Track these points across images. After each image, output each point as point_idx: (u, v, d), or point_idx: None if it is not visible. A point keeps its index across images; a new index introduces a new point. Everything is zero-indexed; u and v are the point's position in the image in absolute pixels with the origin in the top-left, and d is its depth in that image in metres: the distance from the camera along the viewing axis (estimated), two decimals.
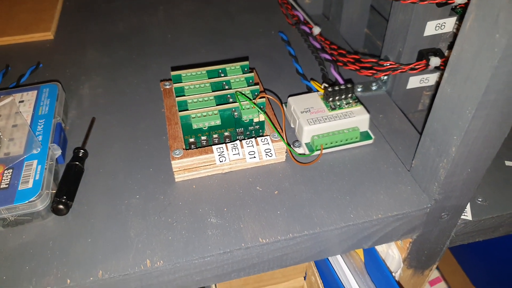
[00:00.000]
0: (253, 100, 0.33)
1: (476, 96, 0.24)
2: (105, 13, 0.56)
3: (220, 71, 0.36)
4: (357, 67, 0.40)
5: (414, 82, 0.41)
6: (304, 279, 0.42)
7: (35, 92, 0.38)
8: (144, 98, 0.41)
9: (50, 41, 0.50)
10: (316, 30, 0.46)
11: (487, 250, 0.69)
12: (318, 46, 0.45)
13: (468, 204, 0.34)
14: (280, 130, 0.34)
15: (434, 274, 0.67)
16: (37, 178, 0.30)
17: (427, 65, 0.37)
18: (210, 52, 0.48)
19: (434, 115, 0.29)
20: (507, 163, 0.37)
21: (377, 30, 0.49)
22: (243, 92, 0.34)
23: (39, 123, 0.35)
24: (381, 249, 0.37)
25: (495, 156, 0.37)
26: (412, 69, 0.38)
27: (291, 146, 0.35)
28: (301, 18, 0.48)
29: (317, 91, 0.38)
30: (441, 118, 0.28)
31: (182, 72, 0.36)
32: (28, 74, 0.44)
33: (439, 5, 0.35)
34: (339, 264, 0.36)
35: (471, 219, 0.34)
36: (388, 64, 0.39)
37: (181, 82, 0.35)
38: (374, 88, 0.42)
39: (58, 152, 0.33)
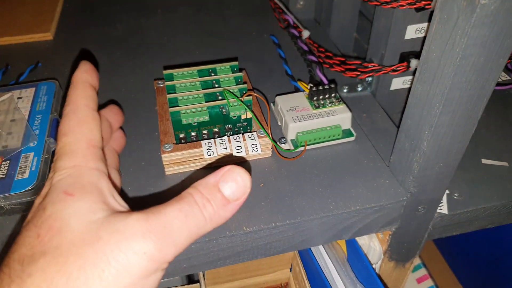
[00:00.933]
0: (240, 98, 0.35)
1: (442, 93, 0.26)
2: (103, 16, 0.58)
3: (210, 70, 0.38)
4: (343, 69, 0.42)
5: (397, 83, 0.43)
6: (290, 271, 0.44)
7: (33, 89, 0.40)
8: (138, 97, 0.43)
9: (50, 42, 0.52)
10: (305, 34, 0.48)
11: (473, 248, 0.70)
12: (306, 48, 0.47)
13: (445, 199, 0.36)
14: (265, 127, 0.35)
15: (422, 271, 0.68)
16: (33, 169, 0.32)
17: (408, 67, 0.39)
18: (204, 53, 0.50)
19: (407, 112, 0.31)
20: (484, 161, 0.39)
21: (365, 35, 0.51)
22: (231, 91, 0.36)
23: (36, 118, 0.36)
24: (363, 241, 0.39)
25: (473, 154, 0.39)
26: (394, 70, 0.40)
27: (277, 142, 0.37)
28: (291, 22, 0.50)
29: (304, 91, 0.40)
30: (413, 115, 0.30)
31: (174, 71, 0.38)
32: (27, 73, 0.46)
33: (417, 10, 0.37)
34: (322, 255, 0.37)
35: (447, 212, 0.35)
36: (371, 66, 0.41)
37: (173, 80, 0.37)
38: (359, 89, 0.44)
39: (54, 145, 0.35)
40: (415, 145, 0.30)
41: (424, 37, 0.39)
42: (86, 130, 0.24)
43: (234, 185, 0.23)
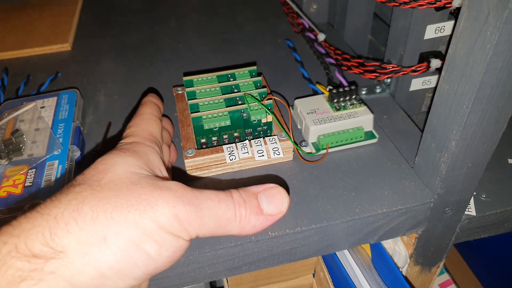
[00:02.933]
0: (261, 102, 0.35)
1: (472, 91, 0.25)
2: (119, 25, 0.59)
3: (229, 75, 0.38)
4: (361, 71, 0.42)
5: (417, 84, 0.42)
6: (313, 276, 0.43)
7: (55, 98, 0.40)
8: None
9: (68, 52, 0.53)
10: (321, 37, 0.48)
11: (497, 253, 0.69)
12: (323, 51, 0.47)
13: (472, 200, 0.35)
14: (287, 130, 0.35)
15: (445, 276, 0.67)
16: (58, 176, 0.32)
17: (428, 67, 0.39)
18: (220, 59, 0.50)
19: (433, 112, 0.30)
20: (510, 160, 0.38)
21: (380, 36, 0.51)
22: (252, 95, 0.35)
23: (59, 127, 0.37)
24: (387, 245, 0.38)
25: (498, 154, 0.38)
26: (413, 71, 0.39)
27: (298, 145, 0.37)
28: (306, 25, 0.50)
29: (323, 93, 0.40)
30: (440, 114, 0.29)
31: (194, 77, 0.38)
32: (47, 83, 0.46)
33: (437, 9, 0.36)
34: (347, 260, 0.37)
35: (475, 214, 0.35)
36: (390, 67, 0.40)
37: (193, 87, 0.37)
38: (378, 91, 0.44)
39: (77, 153, 0.35)
40: (442, 145, 0.29)
41: (450, 36, 0.38)
42: (148, 125, 0.29)
43: (272, 200, 0.24)
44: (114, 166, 0.23)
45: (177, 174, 0.35)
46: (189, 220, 0.22)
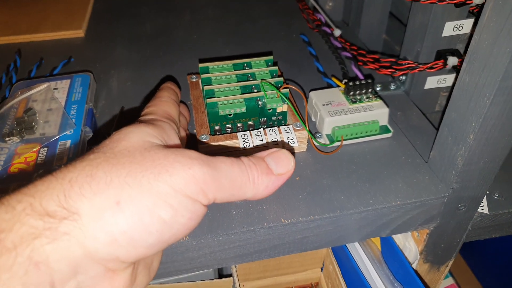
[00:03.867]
0: (278, 89, 0.34)
1: (494, 82, 0.25)
2: (133, 15, 0.59)
3: (245, 64, 0.38)
4: (377, 66, 0.42)
5: (432, 82, 0.42)
6: (321, 270, 0.43)
7: (69, 80, 0.40)
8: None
9: (81, 39, 0.53)
10: (337, 32, 0.48)
11: (501, 258, 0.68)
12: (339, 45, 0.46)
13: (485, 199, 0.35)
14: (303, 119, 0.35)
15: (449, 281, 0.66)
16: (70, 156, 0.32)
17: (445, 64, 0.38)
18: (234, 51, 0.50)
19: (452, 105, 0.30)
20: None
21: (395, 36, 0.51)
22: (269, 82, 0.35)
23: (72, 108, 0.37)
24: (398, 241, 0.38)
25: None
26: (430, 68, 0.39)
27: (313, 136, 0.36)
28: (323, 20, 0.50)
29: (338, 86, 0.40)
30: (459, 107, 0.29)
31: (210, 64, 0.38)
32: (60, 67, 0.46)
33: (457, 5, 0.36)
34: (358, 253, 0.36)
35: (487, 212, 0.34)
36: (406, 63, 0.40)
37: (208, 73, 0.37)
38: (392, 87, 0.44)
39: (90, 134, 0.35)
40: (460, 138, 0.29)
41: (470, 34, 0.38)
42: (166, 106, 0.29)
43: (278, 161, 0.25)
44: (129, 135, 0.23)
45: None
46: (206, 181, 0.21)
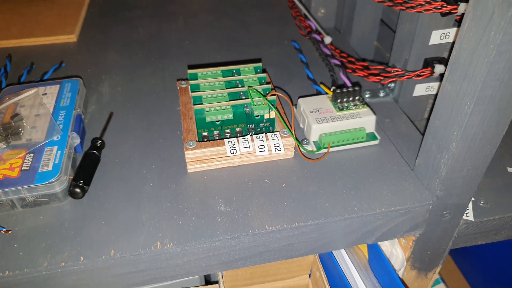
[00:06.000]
0: (265, 97, 0.35)
1: (474, 91, 0.25)
2: (126, 20, 0.59)
3: (234, 71, 0.38)
4: (365, 74, 0.42)
5: (420, 90, 0.42)
6: (309, 277, 0.43)
7: (58, 86, 0.40)
8: (160, 97, 0.43)
9: (74, 44, 0.53)
10: (327, 40, 0.48)
11: (493, 265, 0.68)
12: (328, 53, 0.47)
13: (471, 206, 0.35)
14: (289, 126, 0.35)
15: (441, 286, 0.66)
16: (56, 162, 0.32)
17: (432, 72, 0.39)
18: (225, 57, 0.50)
19: (435, 113, 0.30)
20: (510, 169, 0.38)
21: (386, 43, 0.51)
22: (256, 89, 0.35)
23: (60, 114, 0.37)
24: (385, 248, 0.38)
25: (498, 162, 0.38)
26: (417, 75, 0.39)
27: (300, 143, 0.37)
28: (313, 27, 0.50)
29: (326, 94, 0.40)
30: (442, 115, 0.29)
31: (198, 71, 0.38)
32: (51, 72, 0.46)
33: (443, 14, 0.37)
34: (344, 260, 0.37)
35: (473, 219, 0.34)
36: (394, 71, 0.40)
37: (197, 80, 0.37)
38: (381, 95, 0.44)
39: (77, 140, 0.35)
40: (443, 146, 0.29)
41: (453, 42, 0.39)
42: None
43: None
44: None
45: (175, 166, 0.35)
46: None
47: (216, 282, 0.38)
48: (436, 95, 0.43)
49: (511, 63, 0.24)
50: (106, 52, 0.51)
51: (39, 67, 0.48)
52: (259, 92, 0.35)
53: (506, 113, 0.26)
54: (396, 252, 0.37)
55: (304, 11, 0.53)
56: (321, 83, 0.43)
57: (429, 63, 0.40)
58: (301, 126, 0.39)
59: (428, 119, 0.33)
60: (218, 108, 0.34)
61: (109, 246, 0.29)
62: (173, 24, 0.58)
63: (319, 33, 0.49)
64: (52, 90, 0.40)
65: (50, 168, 0.32)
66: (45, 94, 0.39)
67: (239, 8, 0.62)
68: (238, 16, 0.60)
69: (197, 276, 0.40)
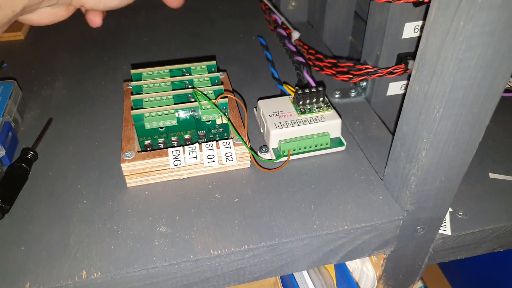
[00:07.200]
0: (214, 101, 0.31)
1: (443, 93, 0.21)
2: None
3: (184, 70, 0.34)
4: (334, 72, 0.38)
5: (395, 88, 0.39)
6: None
7: None
8: (108, 100, 0.39)
9: (20, 42, 0.49)
10: (295, 35, 0.44)
11: (480, 271, 0.65)
12: (293, 49, 0.43)
13: (448, 218, 0.32)
14: (243, 134, 0.31)
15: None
16: None
17: (406, 69, 0.35)
18: (186, 55, 0.46)
19: (403, 117, 0.26)
20: (492, 175, 0.35)
21: (361, 37, 0.47)
22: (205, 92, 0.31)
23: None
24: (354, 265, 0.34)
25: (478, 167, 0.35)
26: (390, 73, 0.35)
27: (258, 151, 0.33)
28: (279, 21, 0.46)
29: (290, 95, 0.36)
30: (409, 119, 0.25)
31: (143, 71, 0.34)
32: None
33: (415, 5, 0.33)
34: (306, 282, 0.33)
35: (450, 234, 0.31)
36: (365, 68, 0.37)
37: (141, 81, 0.33)
38: (352, 95, 0.40)
39: (2, 152, 0.31)
40: (412, 155, 0.26)
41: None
42: None
43: None
44: None
45: (115, 180, 0.31)
46: None
47: None
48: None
49: (483, 59, 0.20)
50: (56, 51, 0.47)
51: None
52: (204, 95, 0.31)
53: (481, 117, 0.23)
54: (367, 270, 0.33)
55: (269, 4, 0.48)
56: (285, 82, 0.39)
57: (402, 59, 0.36)
58: (262, 130, 0.35)
59: (395, 124, 0.30)
60: (160, 113, 0.30)
61: (24, 278, 0.25)
62: (133, 19, 0.54)
63: (286, 28, 0.45)
64: None
65: None
66: None
67: (205, 1, 0.58)
68: (203, 10, 0.56)
69: None
